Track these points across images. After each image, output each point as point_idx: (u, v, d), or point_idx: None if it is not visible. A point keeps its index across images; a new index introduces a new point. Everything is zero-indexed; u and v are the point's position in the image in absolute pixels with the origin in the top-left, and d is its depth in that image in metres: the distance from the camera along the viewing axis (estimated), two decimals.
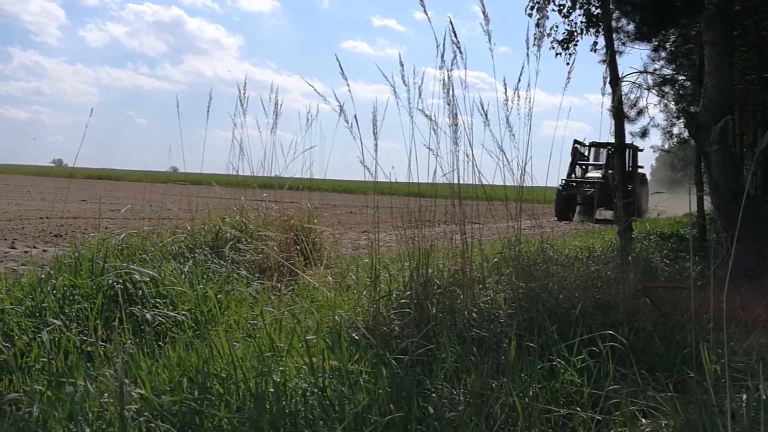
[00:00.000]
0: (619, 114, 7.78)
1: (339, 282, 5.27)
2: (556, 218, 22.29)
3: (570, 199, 23.99)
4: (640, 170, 26.05)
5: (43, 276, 4.15)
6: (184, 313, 3.99)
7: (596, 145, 24.86)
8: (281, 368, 2.91)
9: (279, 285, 5.08)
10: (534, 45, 4.49)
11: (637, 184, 22.73)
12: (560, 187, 22.85)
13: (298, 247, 6.10)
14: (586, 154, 25.85)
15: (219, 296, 4.28)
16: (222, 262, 5.39)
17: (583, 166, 25.89)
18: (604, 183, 20.07)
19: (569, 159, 24.65)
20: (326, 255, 6.53)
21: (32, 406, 2.57)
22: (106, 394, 2.65)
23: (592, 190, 22.11)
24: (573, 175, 24.84)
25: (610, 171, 20.49)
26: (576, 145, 23.65)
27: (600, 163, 25.38)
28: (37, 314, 3.71)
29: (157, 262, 4.82)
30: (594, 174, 24.31)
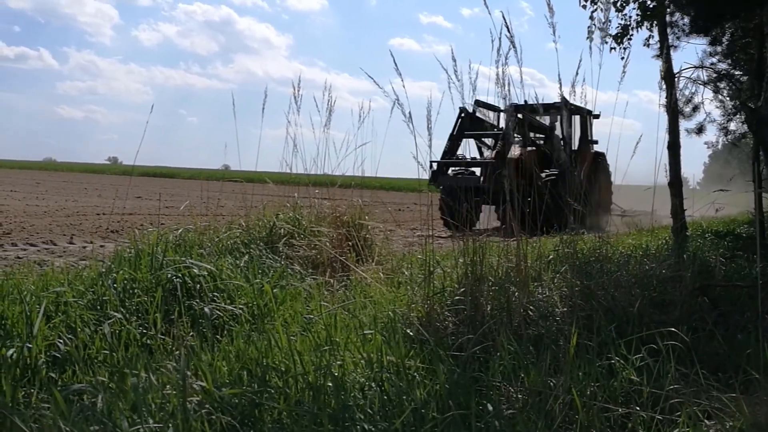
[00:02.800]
0: (673, 110, 7.61)
1: (391, 278, 5.28)
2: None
3: (453, 195, 15.34)
4: (595, 147, 18.12)
5: (103, 270, 4.25)
6: (241, 306, 4.04)
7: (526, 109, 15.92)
8: (339, 362, 2.93)
9: (332, 280, 5.11)
10: (587, 38, 4.41)
11: (590, 170, 15.27)
12: (431, 174, 15.48)
13: (350, 243, 6.14)
14: (492, 120, 17.67)
15: (275, 290, 4.33)
16: (276, 257, 5.45)
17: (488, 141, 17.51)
18: (493, 166, 13.88)
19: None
20: (377, 251, 6.54)
21: (96, 396, 2.63)
22: (168, 386, 2.70)
23: (476, 177, 15.57)
24: (456, 156, 16.71)
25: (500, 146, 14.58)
26: (476, 107, 16.04)
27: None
28: (99, 307, 3.80)
29: (214, 256, 4.90)
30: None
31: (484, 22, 4.43)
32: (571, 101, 4.53)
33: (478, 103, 16.14)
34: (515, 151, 15.66)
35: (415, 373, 2.92)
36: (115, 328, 3.53)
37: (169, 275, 4.15)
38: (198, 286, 4.21)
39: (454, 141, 16.74)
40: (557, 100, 4.56)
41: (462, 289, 3.97)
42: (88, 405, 2.58)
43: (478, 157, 17.33)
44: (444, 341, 3.41)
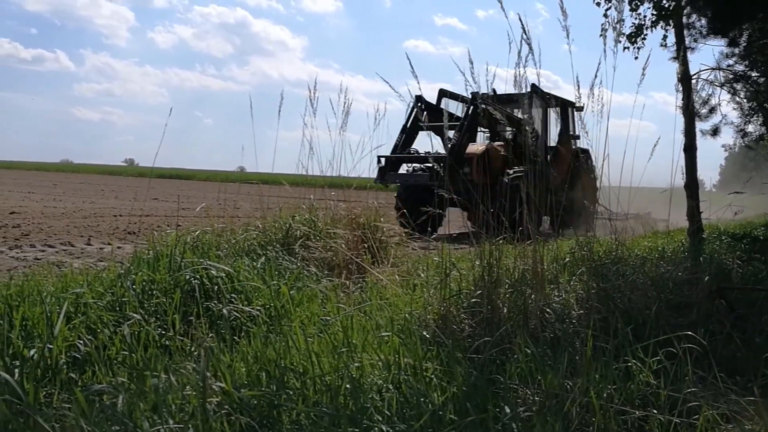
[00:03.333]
0: (690, 112, 7.58)
1: (407, 280, 5.29)
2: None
3: (411, 194, 14.06)
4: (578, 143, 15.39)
5: (122, 271, 4.29)
6: (258, 308, 4.07)
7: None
8: (356, 364, 2.94)
9: (347, 282, 5.13)
10: (600, 35, 4.41)
11: (571, 168, 13.00)
12: (378, 170, 13.92)
13: (365, 245, 6.16)
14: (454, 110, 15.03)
15: (291, 292, 4.35)
16: (293, 258, 5.48)
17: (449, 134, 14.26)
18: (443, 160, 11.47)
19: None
20: (392, 253, 6.57)
21: (116, 397, 2.66)
22: (187, 387, 2.72)
23: (427, 175, 13.43)
24: (409, 151, 14.71)
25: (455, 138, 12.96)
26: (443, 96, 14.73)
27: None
28: (118, 308, 3.84)
29: (231, 258, 4.93)
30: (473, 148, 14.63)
31: (499, 23, 4.47)
32: (588, 102, 4.48)
33: (443, 93, 15.02)
34: (479, 146, 14.72)
35: (432, 376, 2.93)
36: (134, 329, 3.56)
37: (188, 277, 4.19)
38: (216, 287, 4.24)
39: (407, 134, 14.72)
40: (581, 102, 4.45)
41: (478, 292, 3.97)
42: (109, 405, 2.60)
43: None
44: (460, 343, 3.42)
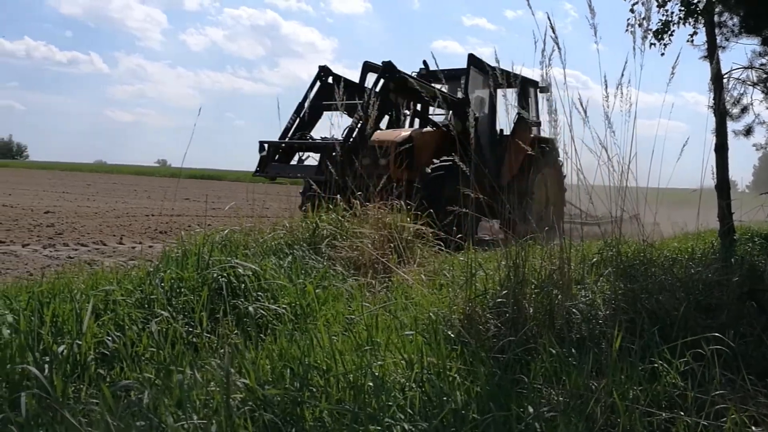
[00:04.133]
0: (721, 112, 7.45)
1: (432, 280, 5.29)
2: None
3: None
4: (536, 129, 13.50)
5: (151, 269, 4.35)
6: (284, 306, 4.10)
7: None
8: (380, 362, 2.95)
9: (373, 282, 5.14)
10: (626, 30, 4.35)
11: (528, 160, 11.51)
12: (259, 160, 11.30)
13: (391, 245, 6.16)
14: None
15: (317, 291, 4.37)
16: (319, 258, 5.51)
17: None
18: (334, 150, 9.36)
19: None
20: (419, 253, 6.56)
21: (143, 393, 2.70)
22: (212, 383, 2.76)
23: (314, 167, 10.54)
24: (306, 136, 11.68)
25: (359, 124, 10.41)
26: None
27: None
28: (146, 306, 3.89)
29: (258, 257, 4.97)
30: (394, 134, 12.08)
31: (528, 24, 4.42)
32: (616, 102, 4.39)
33: (368, 67, 12.58)
34: (400, 132, 12.10)
35: (456, 375, 2.93)
36: (162, 326, 3.60)
37: (215, 275, 4.23)
38: (243, 285, 4.28)
39: (305, 115, 11.75)
40: (609, 101, 4.24)
41: (504, 292, 3.95)
42: (135, 401, 2.64)
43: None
44: (485, 343, 3.41)
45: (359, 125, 10.66)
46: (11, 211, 14.71)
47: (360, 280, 5.09)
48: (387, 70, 11.38)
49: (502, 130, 13.11)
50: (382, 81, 11.30)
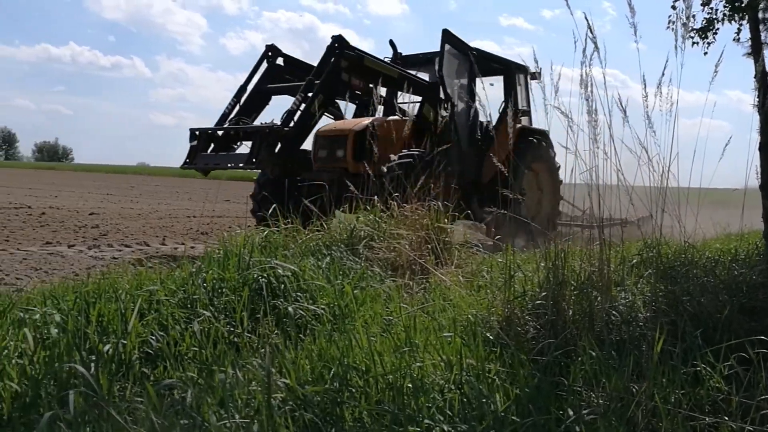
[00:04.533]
0: (765, 110, 7.28)
1: (471, 281, 5.28)
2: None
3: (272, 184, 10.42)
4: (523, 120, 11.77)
5: (194, 270, 4.42)
6: (323, 306, 4.13)
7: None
8: (419, 364, 2.96)
9: (410, 283, 5.15)
10: (667, 27, 4.29)
11: (515, 153, 8.78)
12: (189, 149, 10.03)
13: (429, 246, 6.16)
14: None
15: (355, 292, 4.40)
16: (357, 259, 5.54)
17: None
18: (268, 135, 9.06)
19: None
20: (456, 254, 6.55)
21: (186, 392, 2.75)
22: (253, 383, 2.80)
23: (244, 155, 9.72)
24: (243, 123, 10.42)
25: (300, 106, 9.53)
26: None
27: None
28: (189, 306, 3.96)
29: (297, 258, 5.02)
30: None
31: (565, 23, 4.38)
32: (656, 101, 4.32)
33: (342, 45, 10.28)
34: (360, 121, 10.56)
35: (495, 377, 2.92)
36: (204, 325, 3.66)
37: (255, 275, 4.28)
38: (282, 286, 4.32)
39: (247, 98, 10.53)
40: (649, 101, 4.10)
41: (543, 294, 3.93)
42: (179, 400, 2.69)
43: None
44: (524, 345, 3.40)
45: (301, 108, 9.52)
46: (57, 212, 15.07)
47: (397, 282, 5.10)
48: (337, 45, 9.98)
49: (485, 123, 11.67)
50: (332, 59, 9.98)
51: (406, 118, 10.41)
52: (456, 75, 11.72)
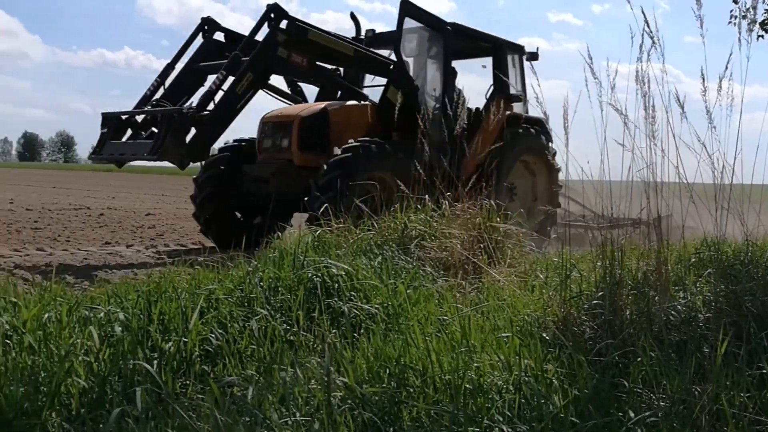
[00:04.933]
0: None
1: (525, 281, 5.24)
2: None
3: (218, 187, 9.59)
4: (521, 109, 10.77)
5: (250, 269, 4.49)
6: (376, 306, 4.15)
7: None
8: (476, 364, 2.95)
9: (463, 282, 5.14)
10: (729, 22, 4.19)
11: (503, 146, 9.03)
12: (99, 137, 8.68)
13: (481, 245, 6.13)
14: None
15: (408, 291, 4.41)
16: (408, 258, 5.54)
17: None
18: (174, 120, 7.84)
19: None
20: (509, 254, 6.50)
21: (246, 389, 2.80)
22: (312, 381, 2.83)
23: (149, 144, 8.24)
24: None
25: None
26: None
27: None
28: (246, 304, 4.02)
29: (349, 257, 5.05)
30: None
31: (615, 18, 4.32)
32: (716, 96, 4.22)
33: (279, 15, 8.71)
34: (310, 106, 9.45)
35: (553, 378, 2.90)
36: (260, 324, 3.71)
37: (310, 275, 4.33)
38: (336, 285, 4.35)
39: (177, 80, 9.12)
40: (708, 95, 3.95)
41: (600, 293, 3.89)
42: (240, 397, 2.74)
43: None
44: (581, 346, 3.36)
45: (224, 87, 8.22)
46: (115, 213, 15.48)
47: (450, 281, 5.09)
48: (273, 15, 8.63)
49: (470, 110, 10.34)
50: (269, 33, 8.63)
51: (366, 102, 9.69)
52: (427, 53, 10.38)
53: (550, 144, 10.24)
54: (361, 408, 2.68)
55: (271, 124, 9.31)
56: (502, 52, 10.77)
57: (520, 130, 9.19)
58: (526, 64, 11.12)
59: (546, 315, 3.87)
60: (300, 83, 10.25)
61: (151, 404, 2.66)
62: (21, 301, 3.38)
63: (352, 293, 4.35)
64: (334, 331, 3.82)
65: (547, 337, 3.47)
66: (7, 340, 3.10)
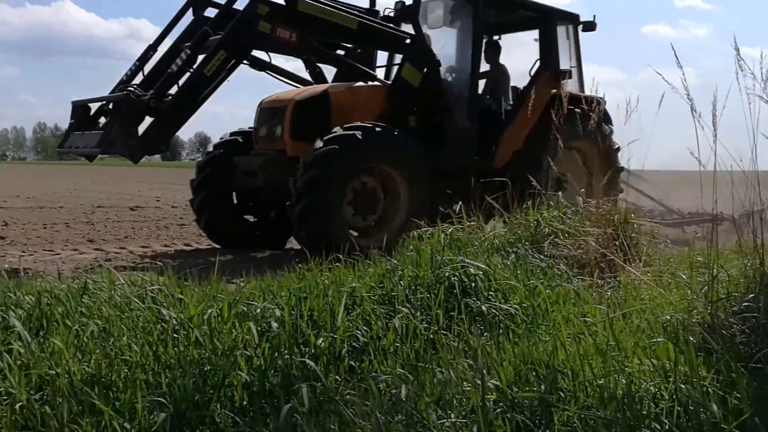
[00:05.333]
0: None
1: (665, 280, 5.09)
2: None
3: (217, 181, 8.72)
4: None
5: (389, 267, 4.60)
6: (515, 306, 4.16)
7: None
8: (627, 369, 2.92)
9: (599, 281, 5.05)
10: None
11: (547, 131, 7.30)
12: (68, 126, 7.83)
13: (616, 243, 6.00)
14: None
15: (546, 291, 4.39)
16: (542, 256, 5.50)
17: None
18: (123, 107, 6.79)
19: None
20: (644, 251, 6.32)
21: (397, 388, 2.88)
22: (464, 383, 2.89)
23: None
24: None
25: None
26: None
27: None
28: (387, 302, 4.13)
29: (482, 255, 5.07)
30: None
31: (747, 1, 4.06)
32: None
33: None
34: (314, 88, 8.40)
35: (709, 385, 2.83)
36: (401, 321, 3.80)
37: (447, 273, 4.39)
38: (473, 284, 4.39)
39: (157, 61, 7.93)
40: None
41: (751, 295, 3.73)
42: (395, 395, 2.83)
43: None
44: (733, 351, 3.25)
45: (190, 67, 7.14)
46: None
47: (585, 280, 5.02)
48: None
49: (519, 89, 9.39)
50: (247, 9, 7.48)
51: (376, 83, 8.65)
52: (454, 26, 9.30)
53: (609, 128, 9.29)
54: (513, 411, 2.71)
55: (267, 111, 8.33)
56: (550, 23, 9.51)
57: (578, 111, 7.06)
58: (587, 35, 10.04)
59: (691, 317, 3.76)
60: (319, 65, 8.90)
61: (313, 400, 2.80)
62: (187, 298, 3.61)
63: (490, 293, 4.38)
64: (481, 329, 3.84)
65: (694, 341, 3.37)
66: (174, 334, 3.32)
